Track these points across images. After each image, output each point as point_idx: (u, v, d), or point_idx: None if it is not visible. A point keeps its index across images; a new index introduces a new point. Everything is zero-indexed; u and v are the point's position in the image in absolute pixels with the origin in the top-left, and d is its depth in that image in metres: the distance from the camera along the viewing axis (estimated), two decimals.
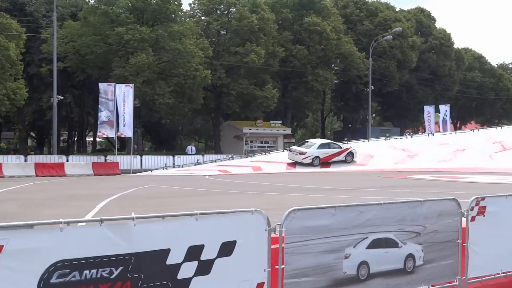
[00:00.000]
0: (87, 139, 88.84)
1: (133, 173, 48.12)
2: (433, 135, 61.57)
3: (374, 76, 73.62)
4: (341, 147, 51.33)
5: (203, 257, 5.97)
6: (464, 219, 8.24)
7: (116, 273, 5.45)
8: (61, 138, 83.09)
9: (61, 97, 55.15)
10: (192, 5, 68.91)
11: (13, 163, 45.82)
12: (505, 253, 8.79)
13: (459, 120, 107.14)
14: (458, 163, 48.27)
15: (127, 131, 49.82)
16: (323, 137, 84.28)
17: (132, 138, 52.89)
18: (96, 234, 5.36)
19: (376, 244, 7.29)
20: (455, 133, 63.52)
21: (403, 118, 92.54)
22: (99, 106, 50.20)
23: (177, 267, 5.82)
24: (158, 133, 77.37)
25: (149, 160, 53.18)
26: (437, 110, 72.81)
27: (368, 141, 58.81)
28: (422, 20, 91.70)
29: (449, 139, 56.45)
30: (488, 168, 44.75)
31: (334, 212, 6.88)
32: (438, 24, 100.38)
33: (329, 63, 75.85)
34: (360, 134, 74.09)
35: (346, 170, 47.26)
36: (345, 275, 7.00)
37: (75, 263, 5.22)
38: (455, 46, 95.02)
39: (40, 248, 5.07)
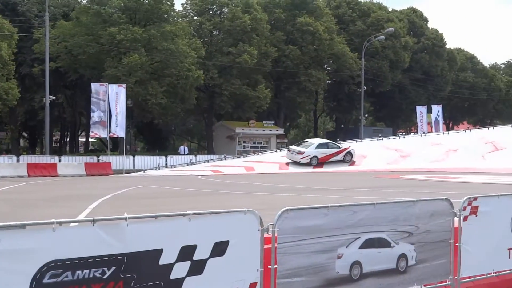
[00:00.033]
0: (79, 139, 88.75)
1: (125, 173, 48.09)
2: (425, 135, 61.65)
3: (366, 76, 73.69)
4: (339, 147, 51.39)
5: (196, 257, 5.97)
6: (456, 219, 8.26)
7: (108, 273, 5.44)
8: (54, 138, 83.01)
9: (53, 97, 54.98)
10: (185, 5, 68.94)
11: (5, 163, 45.73)
12: (497, 252, 8.81)
13: (452, 121, 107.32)
14: (450, 163, 48.36)
15: (119, 131, 49.78)
16: (315, 137, 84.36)
17: (124, 138, 52.91)
18: (88, 234, 5.35)
19: (369, 244, 7.29)
20: (448, 133, 63.60)
21: (395, 119, 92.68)
22: (92, 106, 50.10)
23: (169, 267, 5.81)
24: (151, 133, 77.29)
25: (142, 160, 53.13)
26: (429, 111, 72.88)
27: (361, 141, 58.84)
28: (414, 21, 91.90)
29: (441, 139, 56.52)
30: (481, 168, 44.83)
31: (327, 212, 6.88)
32: (430, 25, 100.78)
33: (322, 64, 75.90)
34: (353, 134, 74.18)
35: (339, 170, 47.29)
36: (338, 275, 7.00)
37: (68, 263, 5.20)
38: (447, 46, 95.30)
39: (33, 248, 5.05)
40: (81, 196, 25.11)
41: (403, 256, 7.65)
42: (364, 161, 51.06)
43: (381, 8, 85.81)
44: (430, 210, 7.99)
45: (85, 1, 64.40)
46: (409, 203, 7.79)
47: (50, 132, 56.75)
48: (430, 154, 51.52)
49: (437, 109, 71.94)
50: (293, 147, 52.91)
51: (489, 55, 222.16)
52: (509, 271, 9.12)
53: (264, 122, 69.47)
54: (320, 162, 49.58)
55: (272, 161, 52.01)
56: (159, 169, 51.18)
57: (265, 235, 6.47)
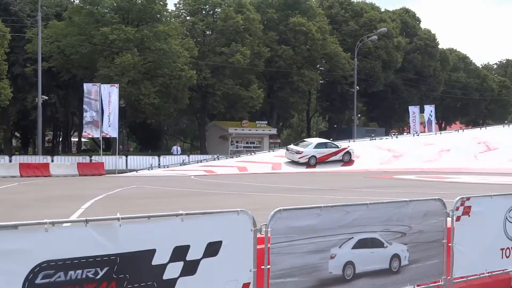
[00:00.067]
0: (72, 139, 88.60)
1: (118, 173, 48.08)
2: (418, 135, 61.75)
3: (359, 76, 73.78)
4: (338, 147, 51.45)
5: (189, 257, 5.95)
6: (449, 219, 8.26)
7: (101, 273, 5.42)
8: (46, 138, 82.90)
9: (46, 97, 54.89)
10: (178, 5, 69.00)
11: None
12: (490, 253, 8.82)
13: (444, 121, 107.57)
14: (443, 163, 48.43)
15: (112, 131, 49.76)
16: (308, 137, 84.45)
17: (117, 138, 52.89)
18: (81, 234, 5.33)
19: (362, 244, 7.29)
20: (440, 133, 63.66)
21: (388, 119, 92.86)
22: (84, 106, 50.04)
23: (162, 267, 5.79)
24: (144, 133, 77.19)
25: (135, 160, 53.11)
26: (422, 111, 73.05)
27: (354, 141, 58.84)
28: (407, 21, 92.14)
29: (434, 140, 56.60)
30: (473, 168, 44.91)
31: (320, 212, 6.87)
32: (423, 25, 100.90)
33: (315, 64, 76.00)
34: (346, 134, 74.28)
35: (332, 171, 47.32)
36: (331, 275, 6.99)
37: (60, 264, 5.19)
38: (440, 46, 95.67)
39: (25, 248, 5.03)
40: (74, 196, 25.05)
41: (396, 256, 7.65)
42: (357, 161, 51.09)
43: (373, 8, 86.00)
44: (423, 210, 7.99)
45: (77, 1, 64.45)
46: (402, 203, 7.79)
47: (42, 132, 56.69)
48: (422, 154, 51.59)
49: (429, 109, 72.10)
50: (291, 146, 52.99)
51: (481, 55, 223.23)
52: (502, 271, 9.13)
53: (257, 122, 69.50)
54: (318, 162, 49.64)
55: (265, 161, 52.04)
56: (152, 169, 51.18)
57: (258, 235, 6.46)
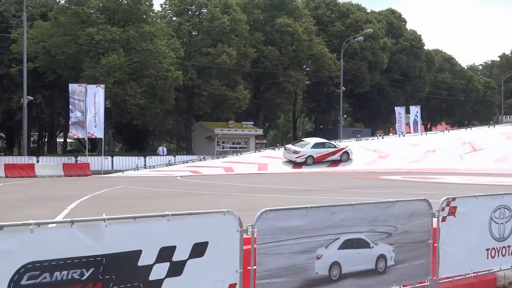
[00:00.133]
0: (57, 140, 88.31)
1: (104, 174, 47.99)
2: (404, 136, 61.88)
3: (345, 77, 73.80)
4: (336, 147, 51.61)
5: (175, 258, 5.95)
6: (435, 219, 8.28)
7: (87, 274, 5.41)
8: (31, 139, 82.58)
9: (31, 98, 54.60)
10: (164, 5, 68.87)
11: None
12: (475, 253, 8.85)
13: (430, 121, 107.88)
14: (428, 164, 48.56)
15: (97, 132, 49.69)
16: (294, 138, 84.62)
17: (103, 138, 52.73)
18: (67, 235, 5.31)
19: (348, 244, 7.30)
20: (426, 134, 63.89)
21: (374, 119, 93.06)
22: (70, 106, 49.92)
23: (148, 268, 5.78)
24: (130, 134, 76.96)
25: (120, 161, 52.97)
26: (408, 111, 73.32)
27: (340, 142, 58.86)
28: (393, 22, 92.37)
29: (419, 140, 56.76)
30: (459, 168, 45.05)
31: (306, 213, 6.88)
32: (409, 26, 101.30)
33: (301, 64, 76.02)
34: (332, 135, 74.25)
35: (318, 171, 47.40)
36: (317, 276, 7.00)
37: (46, 265, 5.17)
38: (425, 47, 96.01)
39: (10, 249, 5.01)
40: (59, 197, 24.99)
41: (382, 257, 7.66)
42: (343, 162, 51.15)
43: (360, 9, 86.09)
44: (409, 211, 8.01)
45: (63, 1, 64.10)
46: (388, 204, 7.80)
47: (28, 133, 56.51)
48: (408, 155, 51.72)
49: (415, 110, 72.40)
50: (289, 146, 53.29)
51: (467, 56, 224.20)
52: (487, 272, 9.18)
53: (243, 122, 69.44)
54: (315, 162, 49.75)
55: (251, 161, 52.05)
56: (137, 169, 51.07)
57: (245, 236, 6.47)
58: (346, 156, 51.13)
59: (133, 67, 56.40)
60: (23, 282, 5.08)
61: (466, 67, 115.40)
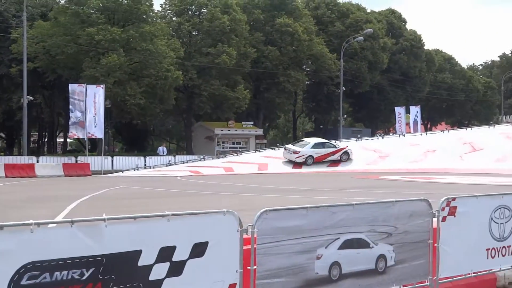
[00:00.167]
0: (57, 140, 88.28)
1: (104, 174, 47.98)
2: (404, 136, 61.85)
3: (345, 77, 73.75)
4: (336, 147, 51.59)
5: (175, 258, 5.95)
6: (435, 219, 8.28)
7: (87, 274, 5.40)
8: (31, 139, 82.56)
9: (31, 98, 54.58)
10: (164, 5, 68.83)
11: None
12: (475, 253, 8.85)
13: (430, 121, 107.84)
14: (428, 164, 48.52)
15: (97, 132, 49.68)
16: (294, 138, 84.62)
17: (103, 139, 52.70)
18: (67, 235, 5.31)
19: (348, 244, 7.30)
20: (426, 134, 63.86)
21: (374, 119, 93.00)
22: (70, 106, 49.92)
23: (148, 268, 5.78)
24: (129, 134, 76.92)
25: (120, 161, 52.94)
26: (408, 111, 73.30)
27: (340, 142, 58.83)
28: (393, 22, 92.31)
29: (419, 140, 56.72)
30: (459, 168, 45.01)
31: (306, 213, 6.87)
32: (409, 26, 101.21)
33: (301, 64, 75.99)
34: (332, 135, 74.22)
35: (318, 171, 47.37)
36: (317, 276, 7.00)
37: (46, 265, 5.17)
38: (425, 47, 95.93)
39: (10, 249, 5.01)
40: (59, 197, 24.99)
41: (382, 257, 7.66)
42: (343, 162, 51.15)
43: (360, 9, 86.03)
44: (409, 211, 8.00)
45: (63, 1, 64.06)
46: (388, 204, 7.80)
47: (28, 133, 56.49)
48: (408, 155, 51.69)
49: (415, 110, 72.38)
50: (289, 146, 53.30)
51: (467, 56, 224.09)
52: (487, 272, 9.17)
53: (243, 122, 69.40)
54: (315, 162, 49.75)
55: (251, 161, 52.02)
56: (137, 169, 51.04)
57: (245, 236, 6.46)
58: (346, 156, 51.13)
59: (133, 67, 56.37)
60: (23, 282, 5.07)
61: (466, 67, 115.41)
